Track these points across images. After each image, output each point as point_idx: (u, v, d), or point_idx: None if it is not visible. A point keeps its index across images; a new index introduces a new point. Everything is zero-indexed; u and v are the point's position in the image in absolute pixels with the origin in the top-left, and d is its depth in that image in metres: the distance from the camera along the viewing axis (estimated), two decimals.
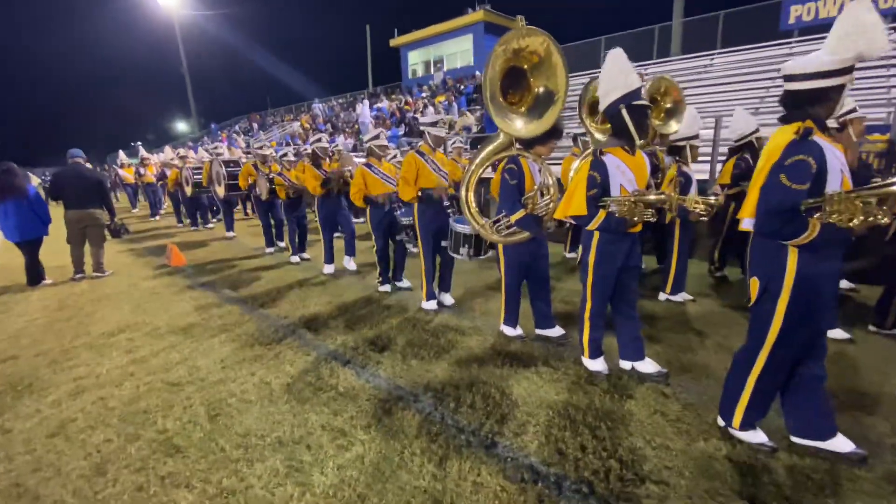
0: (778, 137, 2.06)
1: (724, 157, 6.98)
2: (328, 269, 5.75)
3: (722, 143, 6.20)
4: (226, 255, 7.22)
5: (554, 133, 3.22)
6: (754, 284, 2.21)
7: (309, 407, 2.72)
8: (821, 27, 12.41)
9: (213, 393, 2.93)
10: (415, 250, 4.69)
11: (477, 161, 3.41)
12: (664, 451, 2.26)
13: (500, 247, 3.42)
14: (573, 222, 2.92)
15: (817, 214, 1.93)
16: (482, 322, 4.02)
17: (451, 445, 2.32)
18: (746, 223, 2.17)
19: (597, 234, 2.82)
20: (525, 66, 3.19)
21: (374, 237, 4.71)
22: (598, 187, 2.71)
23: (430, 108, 16.28)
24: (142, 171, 12.66)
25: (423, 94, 18.94)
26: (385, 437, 2.41)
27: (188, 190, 9.07)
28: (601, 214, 2.71)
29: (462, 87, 18.07)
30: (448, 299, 4.43)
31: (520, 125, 3.07)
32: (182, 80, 33.09)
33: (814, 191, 1.95)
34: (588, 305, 2.97)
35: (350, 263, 5.79)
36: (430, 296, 4.30)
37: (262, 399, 2.83)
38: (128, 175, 14.39)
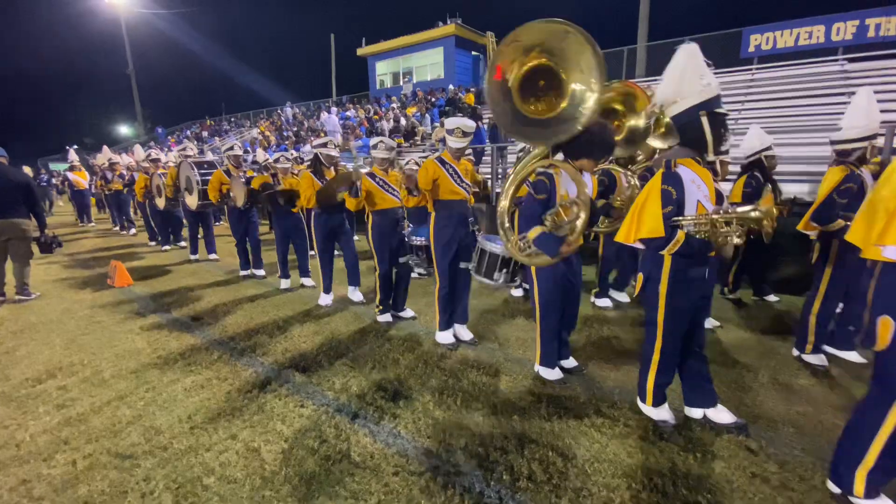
0: None
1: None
2: (325, 299, 4.78)
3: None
4: (190, 279, 6.10)
5: (602, 146, 2.75)
6: (886, 326, 1.80)
7: (318, 488, 2.05)
8: (778, 56, 13.08)
9: (181, 469, 2.19)
10: (417, 274, 4.09)
11: (513, 174, 2.92)
12: None
13: (534, 272, 2.91)
14: (641, 247, 2.44)
15: None
16: (504, 355, 3.47)
17: None
18: (889, 252, 1.77)
19: (668, 259, 2.36)
20: (546, 62, 2.72)
21: (375, 258, 4.06)
22: (674, 204, 2.27)
23: (403, 119, 15.77)
24: (109, 175, 10.43)
25: (393, 105, 18.39)
26: None
27: (159, 202, 7.57)
28: (680, 236, 2.26)
29: (433, 99, 17.70)
30: (466, 333, 3.78)
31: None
32: (127, 81, 30.82)
33: None
34: (658, 345, 2.49)
35: (355, 294, 4.87)
36: (445, 326, 3.69)
37: (252, 476, 2.13)
38: (79, 179, 11.78)
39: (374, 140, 4.11)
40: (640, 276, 2.51)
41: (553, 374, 3.03)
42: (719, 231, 2.20)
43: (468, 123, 3.46)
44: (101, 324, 4.29)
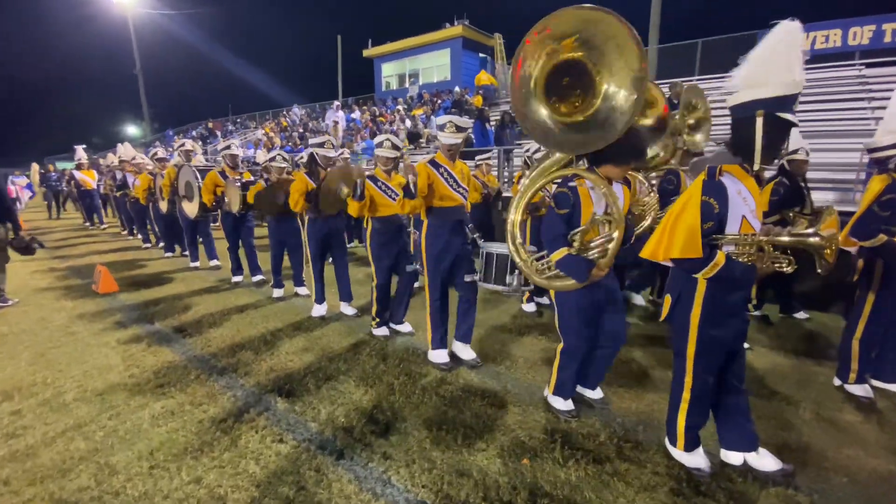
0: None
1: None
2: (318, 310, 4.45)
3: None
4: (180, 286, 5.73)
5: (632, 151, 2.39)
6: None
7: None
8: None
9: None
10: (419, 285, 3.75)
11: (528, 181, 2.58)
12: None
13: (553, 295, 2.54)
14: (669, 264, 2.09)
15: None
16: (511, 380, 3.12)
17: None
18: None
19: (703, 282, 2.02)
20: (579, 56, 2.37)
21: (373, 268, 3.72)
22: (715, 220, 1.92)
23: (408, 121, 15.50)
24: (119, 175, 9.47)
25: (399, 106, 18.12)
26: None
27: (163, 205, 7.01)
28: (720, 258, 1.91)
29: (439, 101, 17.41)
30: (468, 352, 3.42)
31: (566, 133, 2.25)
32: (134, 81, 30.80)
33: None
34: (688, 382, 2.13)
35: (347, 309, 4.53)
36: (438, 345, 3.35)
37: None
38: (87, 179, 11.06)
39: (379, 138, 3.76)
40: (668, 297, 2.17)
41: (564, 406, 2.66)
42: (767, 255, 1.84)
43: (461, 118, 3.17)
44: (76, 335, 3.98)
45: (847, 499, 2.04)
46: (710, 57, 14.17)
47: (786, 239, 1.80)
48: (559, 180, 2.51)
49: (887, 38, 11.87)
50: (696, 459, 2.20)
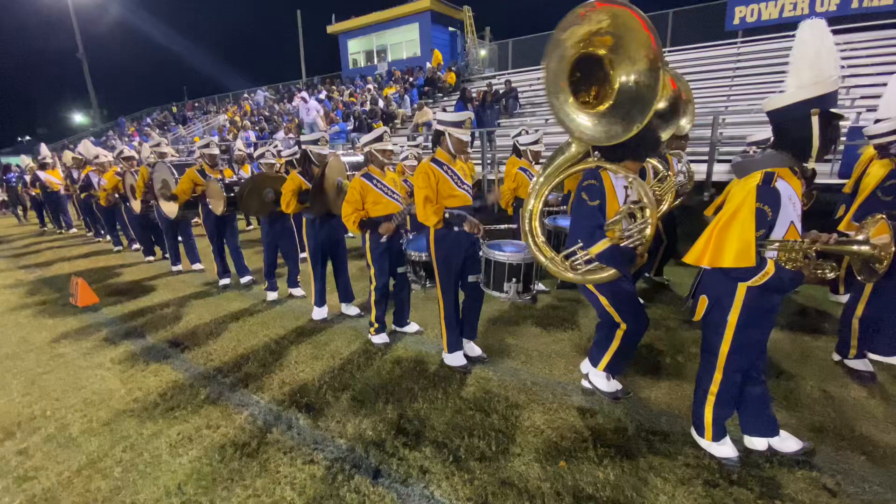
0: None
1: (721, 158, 6.66)
2: (319, 313, 4.33)
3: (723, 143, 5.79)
4: (165, 293, 5.46)
5: (649, 143, 2.39)
6: None
7: None
8: (764, 28, 12.85)
9: None
10: (416, 288, 3.66)
11: (542, 178, 2.51)
12: None
13: (594, 288, 2.55)
14: (705, 266, 2.10)
15: None
16: (530, 376, 3.14)
17: None
18: None
19: (743, 287, 2.03)
20: (601, 52, 2.34)
21: (371, 270, 3.62)
22: (767, 227, 1.90)
23: (380, 101, 15.01)
24: (76, 175, 8.60)
25: (369, 85, 17.54)
26: None
27: (135, 205, 6.49)
28: (770, 268, 1.90)
29: (412, 78, 16.95)
30: (474, 349, 3.45)
31: (587, 123, 2.25)
32: (79, 65, 28.63)
33: None
34: (718, 377, 2.19)
35: (350, 309, 4.46)
36: (454, 347, 3.31)
37: None
38: (53, 180, 9.86)
39: (377, 131, 3.52)
40: (703, 298, 2.19)
41: (609, 386, 2.75)
42: (813, 262, 1.85)
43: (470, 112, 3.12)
44: (65, 357, 3.76)
45: (868, 477, 2.15)
46: (680, 28, 14.23)
47: (835, 247, 1.80)
48: (582, 174, 2.49)
49: (854, 4, 11.92)
50: (725, 449, 2.28)
